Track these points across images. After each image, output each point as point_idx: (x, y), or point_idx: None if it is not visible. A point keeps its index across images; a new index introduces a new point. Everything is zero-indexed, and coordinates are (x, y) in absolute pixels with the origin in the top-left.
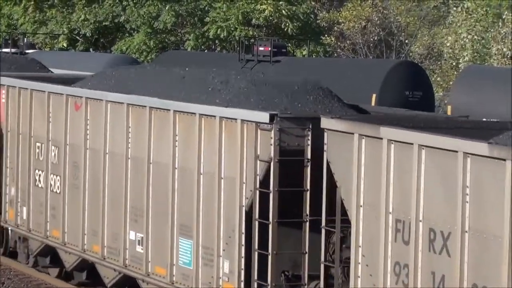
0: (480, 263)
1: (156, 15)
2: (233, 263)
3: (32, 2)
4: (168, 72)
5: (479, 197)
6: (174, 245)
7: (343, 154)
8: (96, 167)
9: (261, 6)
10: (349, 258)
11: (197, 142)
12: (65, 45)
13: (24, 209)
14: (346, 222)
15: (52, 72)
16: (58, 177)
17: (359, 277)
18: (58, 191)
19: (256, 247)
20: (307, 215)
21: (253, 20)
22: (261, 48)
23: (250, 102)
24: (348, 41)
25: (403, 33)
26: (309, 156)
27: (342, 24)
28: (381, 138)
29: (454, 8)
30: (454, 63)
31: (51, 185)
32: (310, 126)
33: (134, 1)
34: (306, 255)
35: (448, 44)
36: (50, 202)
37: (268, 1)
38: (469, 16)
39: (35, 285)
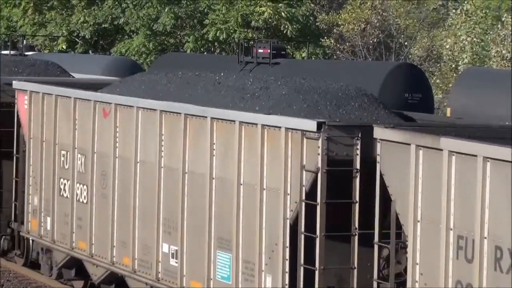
0: None
1: (156, 17)
2: (277, 278)
3: (32, 4)
4: (201, 77)
5: None
6: (212, 259)
7: (399, 166)
8: (126, 176)
9: (261, 9)
10: (400, 274)
11: (237, 151)
12: (64, 47)
13: (48, 219)
14: (396, 236)
15: (73, 77)
16: (85, 187)
17: None
18: (85, 201)
19: (302, 262)
20: (356, 228)
21: (253, 22)
22: (260, 50)
23: (293, 109)
24: (347, 43)
25: (402, 35)
26: (358, 166)
27: (342, 26)
28: (441, 150)
29: (454, 11)
30: (453, 65)
31: (77, 194)
32: (360, 135)
33: (134, 3)
34: (355, 270)
35: (447, 46)
36: (76, 212)
37: (268, 3)
38: (469, 19)
39: (34, 287)
